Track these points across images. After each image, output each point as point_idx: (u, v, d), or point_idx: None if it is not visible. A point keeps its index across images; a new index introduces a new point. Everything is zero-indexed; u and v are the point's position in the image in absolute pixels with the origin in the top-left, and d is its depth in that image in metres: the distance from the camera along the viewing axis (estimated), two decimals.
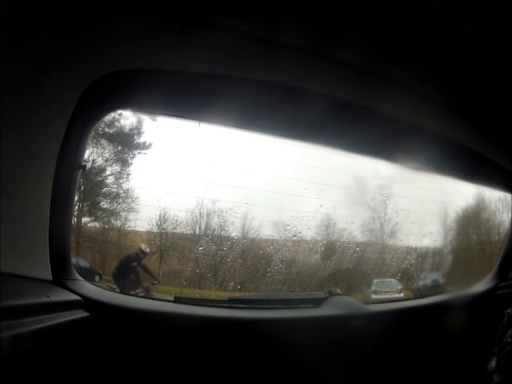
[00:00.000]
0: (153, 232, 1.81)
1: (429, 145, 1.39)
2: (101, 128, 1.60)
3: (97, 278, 1.67)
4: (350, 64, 1.17)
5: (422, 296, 1.75)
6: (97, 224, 1.78)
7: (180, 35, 1.04)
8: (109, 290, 1.23)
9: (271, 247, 1.68)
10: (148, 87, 1.12)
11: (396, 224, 1.79)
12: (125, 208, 1.70)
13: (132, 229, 1.80)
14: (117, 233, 1.82)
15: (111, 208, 1.74)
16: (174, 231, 1.83)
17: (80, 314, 0.94)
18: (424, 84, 1.27)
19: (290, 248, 1.61)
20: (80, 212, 1.71)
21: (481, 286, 1.80)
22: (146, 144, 1.63)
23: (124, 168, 1.67)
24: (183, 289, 1.48)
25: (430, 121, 1.44)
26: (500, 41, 1.01)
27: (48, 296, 0.84)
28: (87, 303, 1.02)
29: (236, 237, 1.67)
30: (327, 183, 1.63)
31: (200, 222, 1.80)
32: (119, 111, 1.54)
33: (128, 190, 1.67)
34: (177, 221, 1.79)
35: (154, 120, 1.46)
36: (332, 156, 1.58)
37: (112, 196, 1.71)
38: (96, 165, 1.64)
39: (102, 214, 1.77)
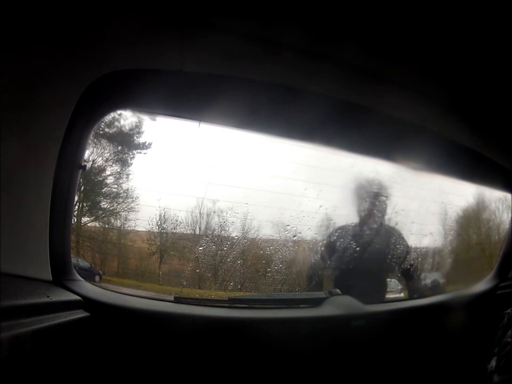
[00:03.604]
0: (153, 232, 1.81)
1: (429, 145, 1.39)
2: (101, 128, 1.60)
3: (97, 278, 1.67)
4: (350, 64, 1.17)
5: (422, 296, 1.74)
6: (97, 224, 1.78)
7: (180, 35, 1.04)
8: (109, 290, 1.23)
9: (271, 247, 1.68)
10: (148, 87, 1.12)
11: (396, 224, 1.79)
12: (125, 208, 1.71)
13: (131, 229, 1.81)
14: (117, 233, 1.82)
15: (111, 208, 1.74)
16: (174, 231, 1.83)
17: (80, 314, 0.94)
18: (424, 84, 1.27)
19: (290, 248, 1.61)
20: (80, 212, 1.71)
21: (481, 286, 1.80)
22: (146, 144, 1.63)
23: (123, 168, 1.67)
24: (183, 289, 1.48)
25: (430, 121, 1.44)
26: (500, 41, 1.01)
27: (48, 296, 0.84)
28: (87, 303, 1.02)
29: (235, 237, 1.68)
30: (327, 183, 1.63)
31: (200, 222, 1.81)
32: (119, 111, 1.54)
33: (128, 190, 1.67)
34: (177, 221, 1.80)
35: (154, 120, 1.46)
36: (331, 155, 1.58)
37: (112, 195, 1.71)
38: (96, 165, 1.64)
39: (102, 214, 1.77)
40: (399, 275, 1.72)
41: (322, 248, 1.68)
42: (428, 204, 1.81)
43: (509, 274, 1.79)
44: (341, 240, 1.67)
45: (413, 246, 1.74)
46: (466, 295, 1.71)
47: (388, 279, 1.75)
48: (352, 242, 1.66)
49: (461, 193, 1.94)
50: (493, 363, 1.29)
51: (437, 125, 1.46)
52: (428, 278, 1.77)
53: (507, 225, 1.88)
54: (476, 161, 1.60)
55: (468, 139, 1.55)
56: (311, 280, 1.69)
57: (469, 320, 1.50)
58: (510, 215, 1.85)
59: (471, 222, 2.17)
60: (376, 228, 1.72)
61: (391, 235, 1.71)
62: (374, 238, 1.68)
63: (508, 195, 1.90)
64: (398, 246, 1.69)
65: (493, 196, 2.03)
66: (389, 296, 1.67)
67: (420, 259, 1.73)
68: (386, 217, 1.75)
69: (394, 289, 1.86)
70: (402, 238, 1.72)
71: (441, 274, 1.80)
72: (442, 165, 1.59)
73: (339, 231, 1.71)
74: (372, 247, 1.67)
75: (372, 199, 1.72)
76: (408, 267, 1.72)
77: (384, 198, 1.71)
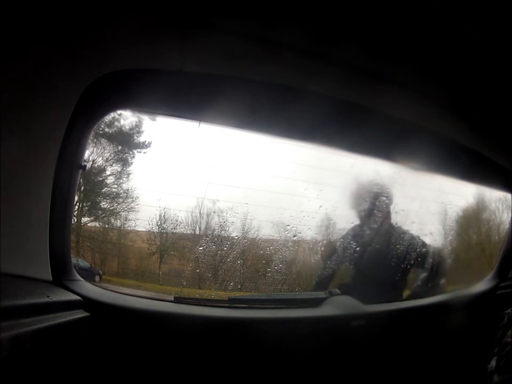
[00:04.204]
0: (153, 232, 1.81)
1: (429, 145, 1.39)
2: (101, 128, 1.60)
3: (97, 278, 1.67)
4: (350, 64, 1.17)
5: (422, 296, 1.74)
6: (97, 224, 1.78)
7: (180, 35, 1.04)
8: (109, 290, 1.23)
9: (271, 247, 1.67)
10: (148, 87, 1.12)
11: (396, 224, 1.79)
12: (125, 208, 1.71)
13: (131, 229, 1.81)
14: (117, 233, 1.82)
15: (111, 208, 1.74)
16: (174, 231, 1.83)
17: (80, 314, 0.94)
18: (424, 84, 1.27)
19: (290, 248, 1.61)
20: (80, 212, 1.71)
21: (481, 286, 1.80)
22: (146, 144, 1.63)
23: (124, 168, 1.67)
24: (183, 289, 1.48)
25: (430, 121, 1.44)
26: (500, 41, 1.01)
27: (48, 296, 0.84)
28: (87, 303, 1.02)
29: (235, 237, 1.67)
30: (327, 183, 1.63)
31: (200, 222, 1.81)
32: (119, 111, 1.54)
33: (128, 190, 1.67)
34: (177, 221, 1.79)
35: (154, 120, 1.46)
36: (331, 155, 1.57)
37: (112, 195, 1.71)
38: (96, 165, 1.64)
39: (102, 214, 1.77)
40: (400, 275, 1.72)
41: (335, 249, 1.67)
42: (428, 203, 1.81)
43: (509, 274, 1.79)
44: (347, 240, 1.67)
45: (413, 246, 1.73)
46: (466, 295, 1.71)
47: (388, 279, 1.74)
48: (352, 242, 1.66)
49: (461, 193, 1.94)
50: (493, 363, 1.29)
51: (437, 125, 1.46)
52: (428, 278, 1.77)
53: (507, 225, 1.88)
54: (476, 161, 1.60)
55: (468, 139, 1.55)
56: (311, 280, 1.69)
57: (469, 320, 1.50)
58: (510, 215, 1.85)
59: (471, 222, 2.17)
60: (376, 228, 1.71)
61: (391, 235, 1.71)
62: (374, 238, 1.68)
63: (508, 195, 1.89)
64: (398, 246, 1.69)
65: (493, 196, 2.03)
66: (389, 296, 1.67)
67: (419, 259, 1.72)
68: (386, 217, 1.75)
69: (395, 289, 1.86)
70: (403, 238, 1.72)
71: (441, 274, 1.80)
72: (442, 165, 1.59)
73: (352, 232, 1.70)
74: (372, 247, 1.66)
75: (373, 199, 1.72)
76: (409, 267, 1.72)
77: (385, 198, 1.71)
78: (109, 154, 1.65)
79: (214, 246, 1.60)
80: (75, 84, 1.00)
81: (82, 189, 1.67)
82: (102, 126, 1.60)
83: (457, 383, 1.53)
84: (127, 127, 1.63)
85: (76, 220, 1.63)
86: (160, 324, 1.16)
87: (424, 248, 1.73)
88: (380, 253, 1.67)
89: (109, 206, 1.75)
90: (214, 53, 1.10)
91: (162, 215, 1.75)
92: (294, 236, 1.59)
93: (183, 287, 1.51)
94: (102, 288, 1.23)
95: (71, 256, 1.16)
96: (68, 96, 1.00)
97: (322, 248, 1.70)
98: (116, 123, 1.63)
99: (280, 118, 1.35)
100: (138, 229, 1.80)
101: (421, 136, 1.40)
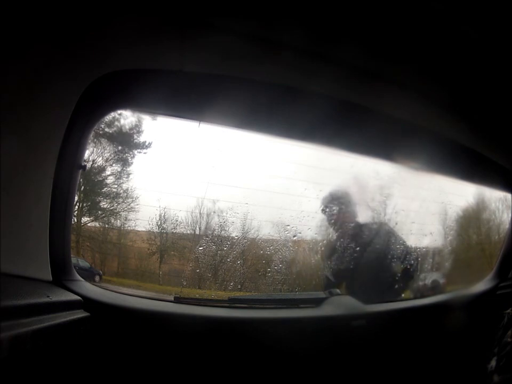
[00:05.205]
0: (153, 232, 1.81)
1: (429, 145, 1.39)
2: (101, 128, 1.60)
3: (97, 278, 1.67)
4: (350, 64, 1.17)
5: (422, 296, 1.74)
6: (97, 224, 1.78)
7: (180, 35, 1.04)
8: (109, 290, 1.23)
9: (271, 247, 1.67)
10: (148, 87, 1.12)
11: (396, 224, 1.79)
12: (125, 208, 1.70)
13: (131, 229, 1.81)
14: (117, 233, 1.82)
15: (111, 208, 1.74)
16: (174, 231, 1.83)
17: (80, 314, 0.94)
18: (424, 84, 1.27)
19: (290, 248, 1.61)
20: (80, 212, 1.71)
21: (481, 286, 1.80)
22: (146, 144, 1.63)
23: (124, 168, 1.67)
24: (183, 289, 1.48)
25: (430, 121, 1.44)
26: (500, 41, 1.01)
27: (48, 296, 0.84)
28: (87, 303, 1.02)
29: (235, 237, 1.67)
30: (327, 183, 1.64)
31: (200, 222, 1.80)
32: (119, 111, 1.54)
33: (128, 190, 1.67)
34: (177, 221, 1.79)
35: (154, 120, 1.46)
36: (331, 155, 1.58)
37: (112, 195, 1.71)
38: (96, 165, 1.64)
39: (102, 214, 1.77)
40: (399, 275, 1.72)
41: (335, 249, 1.67)
42: (427, 203, 1.81)
43: (509, 274, 1.79)
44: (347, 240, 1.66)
45: (413, 246, 1.74)
46: (466, 295, 1.71)
47: (388, 279, 1.74)
48: (351, 242, 1.66)
49: (461, 193, 1.94)
50: (493, 363, 1.29)
51: (437, 125, 1.46)
52: (428, 278, 1.77)
53: (507, 225, 1.88)
54: (476, 161, 1.60)
55: (468, 139, 1.55)
56: (311, 280, 1.69)
57: (469, 320, 1.50)
58: (510, 215, 1.85)
59: (471, 222, 2.17)
60: (376, 227, 1.71)
61: (391, 235, 1.71)
62: (373, 238, 1.68)
63: (508, 195, 1.90)
64: (398, 246, 1.69)
65: (493, 196, 2.03)
66: (389, 296, 1.67)
67: (420, 259, 1.72)
68: (386, 217, 1.75)
69: (394, 289, 1.86)
70: (402, 238, 1.72)
71: (441, 274, 1.80)
72: (442, 165, 1.59)
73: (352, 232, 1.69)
74: (372, 247, 1.66)
75: (372, 199, 1.72)
76: (408, 267, 1.72)
77: (384, 198, 1.72)
78: (109, 154, 1.65)
79: (214, 246, 1.60)
80: (75, 84, 1.00)
81: (82, 189, 1.67)
82: (102, 126, 1.60)
83: (457, 383, 1.53)
84: (127, 127, 1.63)
85: (76, 219, 1.63)
86: (160, 323, 1.16)
87: (423, 248, 1.73)
88: (380, 252, 1.67)
89: (109, 206, 1.75)
90: (214, 53, 1.10)
91: (162, 215, 1.75)
92: (294, 236, 1.59)
93: (183, 287, 1.51)
94: (102, 288, 1.23)
95: (71, 256, 1.16)
96: (68, 96, 1.00)
97: (322, 248, 1.70)
98: (116, 123, 1.63)
99: (280, 118, 1.35)
100: (138, 229, 1.80)
101: (421, 136, 1.40)
